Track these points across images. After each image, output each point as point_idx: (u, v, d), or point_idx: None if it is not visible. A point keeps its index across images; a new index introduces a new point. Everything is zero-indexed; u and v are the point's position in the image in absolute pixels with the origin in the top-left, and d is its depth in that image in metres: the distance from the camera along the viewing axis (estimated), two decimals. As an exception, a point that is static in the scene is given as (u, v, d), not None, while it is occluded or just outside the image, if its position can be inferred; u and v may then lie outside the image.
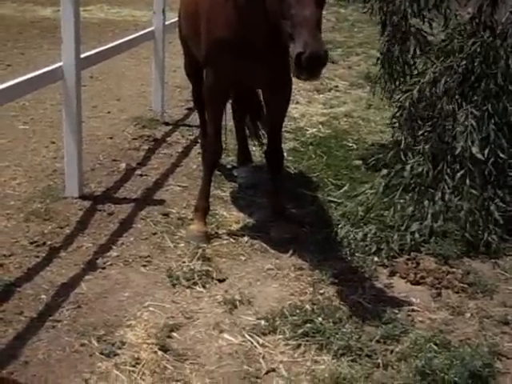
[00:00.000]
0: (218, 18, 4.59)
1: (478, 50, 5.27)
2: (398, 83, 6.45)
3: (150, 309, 4.05)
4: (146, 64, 10.33)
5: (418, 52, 6.22)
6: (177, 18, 7.90)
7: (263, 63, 4.55)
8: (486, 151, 4.99)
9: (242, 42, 4.47)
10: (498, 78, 5.21)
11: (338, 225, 5.11)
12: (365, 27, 17.55)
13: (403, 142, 5.42)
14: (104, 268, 4.53)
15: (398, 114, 5.72)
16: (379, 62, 6.52)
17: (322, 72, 3.80)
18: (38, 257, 4.63)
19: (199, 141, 7.01)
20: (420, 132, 5.36)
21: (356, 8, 19.10)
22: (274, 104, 5.05)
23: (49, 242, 4.83)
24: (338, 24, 19.13)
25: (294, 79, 4.54)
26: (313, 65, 3.69)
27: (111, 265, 4.58)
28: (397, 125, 5.78)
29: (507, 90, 5.23)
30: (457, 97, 5.29)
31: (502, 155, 5.05)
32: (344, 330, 3.83)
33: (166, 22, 8.17)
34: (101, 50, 6.41)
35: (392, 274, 4.58)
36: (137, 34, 7.82)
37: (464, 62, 5.30)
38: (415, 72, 6.16)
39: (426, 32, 6.25)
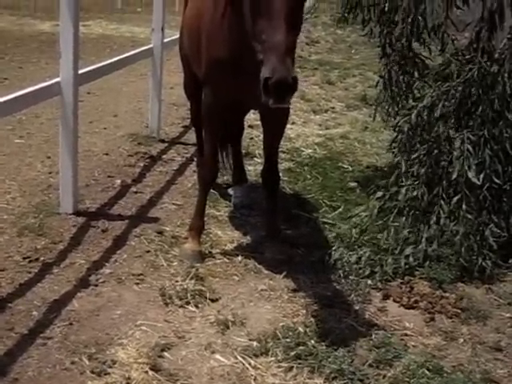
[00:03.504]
0: (217, 37, 4.59)
1: (476, 75, 5.28)
2: (398, 106, 6.47)
3: (142, 328, 4.02)
4: (143, 80, 10.35)
5: (416, 75, 6.25)
6: (175, 36, 7.97)
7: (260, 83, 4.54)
8: (482, 176, 4.99)
9: (239, 62, 4.47)
10: (495, 104, 5.22)
11: (332, 247, 5.10)
12: (362, 49, 17.67)
13: (403, 165, 5.40)
14: (96, 285, 4.50)
15: (396, 139, 5.73)
16: (379, 84, 6.54)
17: (290, 98, 3.73)
18: (30, 272, 4.60)
19: (195, 159, 7.02)
20: (415, 155, 5.36)
21: (354, 30, 19.21)
22: (271, 124, 5.05)
23: (42, 258, 4.80)
24: (336, 45, 19.27)
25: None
26: (279, 91, 3.64)
27: (104, 282, 4.55)
28: (396, 149, 5.78)
29: (504, 116, 5.24)
30: (453, 121, 5.30)
31: (497, 180, 5.05)
32: (336, 353, 3.80)
33: (165, 40, 8.19)
34: (99, 66, 6.41)
35: (385, 297, 4.56)
36: (135, 51, 7.84)
37: (461, 87, 5.32)
38: (412, 96, 6.18)
39: (424, 56, 6.29)
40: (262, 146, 5.33)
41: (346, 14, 6.43)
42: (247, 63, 4.43)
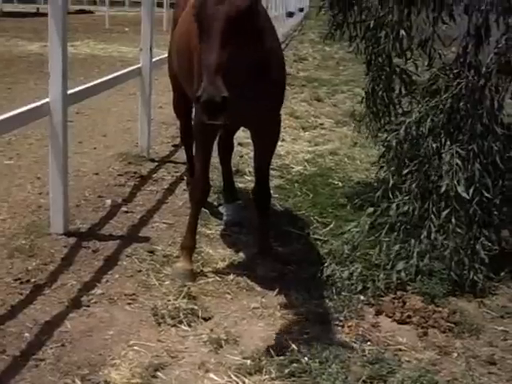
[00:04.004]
0: None
1: (464, 89, 5.31)
2: (382, 122, 6.51)
3: (135, 348, 4.00)
4: (132, 100, 10.36)
5: (403, 91, 6.28)
6: (163, 55, 7.99)
7: (250, 101, 4.57)
8: (471, 190, 5.01)
9: (230, 80, 4.48)
10: (484, 118, 5.25)
11: (324, 263, 5.10)
12: (350, 65, 17.77)
13: (390, 180, 5.43)
14: (88, 306, 4.48)
15: (385, 153, 5.75)
16: (364, 101, 6.58)
17: (223, 116, 3.76)
18: (21, 294, 4.58)
19: (185, 178, 7.02)
20: (406, 171, 5.38)
21: (341, 46, 19.32)
22: (262, 142, 5.06)
23: (33, 279, 4.78)
24: (324, 62, 19.36)
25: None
26: (209, 109, 3.71)
27: (96, 303, 4.53)
28: (384, 164, 5.80)
29: (492, 130, 5.27)
30: (442, 136, 5.32)
31: (486, 194, 5.07)
32: (330, 370, 3.79)
33: (153, 59, 8.21)
34: (88, 86, 6.42)
35: (378, 312, 4.56)
36: (124, 71, 7.84)
37: (449, 102, 5.34)
38: (400, 111, 6.21)
39: (410, 71, 6.32)
40: (253, 164, 5.33)
41: (332, 31, 6.45)
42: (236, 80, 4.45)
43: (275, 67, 4.60)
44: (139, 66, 8.04)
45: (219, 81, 3.69)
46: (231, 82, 3.76)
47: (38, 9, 33.57)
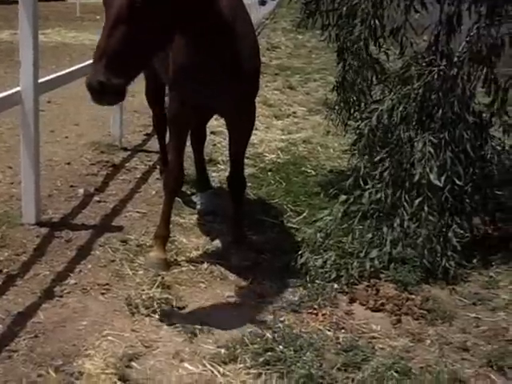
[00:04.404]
0: (180, 46, 4.60)
1: (435, 78, 5.34)
2: (352, 111, 6.52)
3: (109, 338, 3.98)
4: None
5: (374, 80, 6.29)
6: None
7: (224, 88, 4.57)
8: (443, 178, 5.03)
9: (202, 68, 4.49)
10: (455, 106, 5.28)
11: (298, 251, 5.10)
12: (322, 54, 17.79)
13: (362, 168, 5.44)
14: (61, 296, 4.45)
15: (356, 141, 5.76)
16: (335, 89, 6.58)
17: (106, 99, 3.84)
18: (-7, 285, 4.55)
19: (158, 167, 6.99)
20: (377, 158, 5.39)
21: (313, 35, 19.33)
22: (236, 131, 5.05)
23: (5, 270, 4.74)
24: (296, 50, 19.37)
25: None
26: (90, 93, 3.78)
27: (69, 293, 4.50)
28: (356, 152, 5.82)
29: (464, 118, 5.30)
30: (414, 124, 5.34)
31: (458, 182, 5.10)
32: (305, 358, 3.80)
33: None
34: (59, 74, 6.36)
35: (352, 300, 4.58)
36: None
37: (421, 90, 5.36)
38: (371, 100, 6.22)
39: (382, 60, 6.34)
40: (228, 153, 5.33)
41: (305, 19, 6.44)
42: (210, 69, 4.45)
43: (247, 55, 4.58)
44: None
45: (99, 66, 3.74)
46: (129, 69, 3.85)
47: (7, -4, 33.17)
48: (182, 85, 4.76)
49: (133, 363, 3.75)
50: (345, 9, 6.12)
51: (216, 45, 4.36)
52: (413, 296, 4.61)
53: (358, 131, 5.70)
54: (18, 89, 5.35)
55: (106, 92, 3.75)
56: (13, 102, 5.37)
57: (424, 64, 5.53)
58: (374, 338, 4.14)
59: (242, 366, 3.78)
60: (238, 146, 5.14)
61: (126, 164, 7.42)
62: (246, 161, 7.23)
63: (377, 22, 5.94)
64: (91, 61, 3.90)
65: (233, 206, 5.25)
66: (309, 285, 4.71)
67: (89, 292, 4.53)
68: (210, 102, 4.81)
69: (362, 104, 6.29)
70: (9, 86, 5.65)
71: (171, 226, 5.27)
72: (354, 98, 6.41)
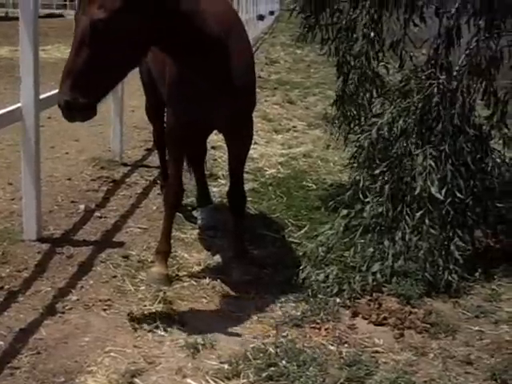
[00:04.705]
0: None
1: (435, 91, 5.34)
2: (352, 125, 6.53)
3: (111, 354, 3.97)
4: (104, 104, 10.28)
5: (374, 94, 6.30)
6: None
7: (220, 104, 4.59)
8: (444, 191, 5.03)
9: (195, 84, 4.53)
10: (455, 119, 5.28)
11: (300, 266, 5.09)
12: (321, 68, 17.83)
13: (361, 182, 5.44)
14: (63, 312, 4.44)
15: (356, 154, 5.77)
16: (335, 103, 6.59)
17: (76, 117, 3.98)
18: (-6, 301, 4.53)
19: (159, 182, 6.99)
20: (377, 171, 5.39)
21: (312, 49, 19.39)
22: (235, 145, 5.06)
23: (6, 286, 4.73)
24: (295, 65, 19.42)
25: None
26: (61, 111, 3.95)
27: (71, 309, 4.49)
28: (355, 165, 5.82)
29: (464, 131, 5.31)
30: (415, 137, 5.34)
31: (459, 195, 5.09)
32: (308, 373, 3.78)
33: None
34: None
35: (354, 314, 4.56)
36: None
37: (421, 104, 5.37)
38: (371, 113, 6.22)
39: (382, 73, 6.35)
40: (228, 167, 5.33)
41: (305, 33, 6.46)
42: (201, 86, 4.48)
43: (242, 71, 4.59)
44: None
45: (65, 86, 3.89)
46: (96, 87, 3.97)
47: (7, 13, 33.27)
48: (177, 100, 4.79)
49: (135, 379, 3.73)
50: (344, 23, 6.15)
51: (208, 61, 4.39)
52: (415, 310, 4.60)
53: (357, 144, 5.70)
54: (19, 105, 5.36)
55: (75, 110, 3.91)
56: (14, 119, 5.38)
57: (424, 77, 5.54)
58: (377, 352, 4.12)
59: (245, 381, 3.76)
60: (237, 160, 5.14)
61: (127, 179, 7.42)
62: (246, 175, 7.26)
63: (375, 35, 5.96)
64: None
65: (233, 220, 5.25)
66: (311, 299, 4.69)
67: (91, 308, 4.51)
68: (206, 118, 4.83)
69: (362, 118, 6.29)
70: (8, 103, 5.66)
71: (172, 241, 5.26)
72: (354, 111, 6.41)
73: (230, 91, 4.54)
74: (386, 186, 5.24)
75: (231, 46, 4.50)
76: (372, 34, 5.95)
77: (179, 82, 4.67)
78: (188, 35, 4.26)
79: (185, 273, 5.09)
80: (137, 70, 6.39)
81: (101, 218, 6.19)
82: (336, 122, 6.72)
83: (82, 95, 3.86)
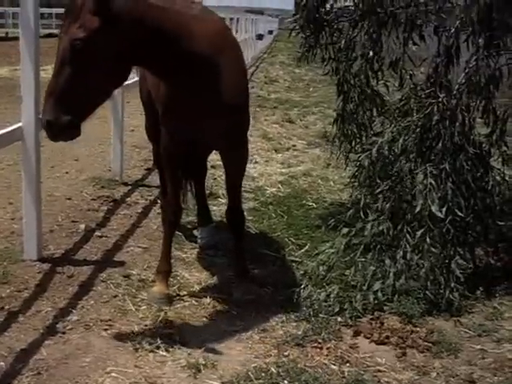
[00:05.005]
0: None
1: (435, 109, 5.35)
2: (353, 143, 6.54)
3: (113, 374, 3.95)
4: (103, 123, 10.30)
5: (374, 113, 6.32)
6: (135, 79, 7.95)
7: (211, 123, 4.61)
8: (445, 209, 5.03)
9: (185, 103, 4.55)
10: (455, 137, 5.29)
11: (301, 285, 5.08)
12: (320, 87, 17.90)
13: (362, 200, 5.45)
14: (64, 333, 4.42)
15: (357, 173, 5.78)
16: (335, 122, 6.59)
17: (58, 137, 4.07)
18: (-5, 322, 4.52)
19: (159, 201, 6.99)
20: (378, 190, 5.39)
21: (311, 68, 19.46)
22: (231, 164, 5.06)
23: (7, 307, 4.72)
24: (294, 84, 19.49)
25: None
26: (45, 130, 4.05)
27: (71, 329, 4.47)
28: (356, 184, 5.83)
29: (464, 149, 5.31)
30: (415, 156, 5.35)
31: (459, 213, 5.09)
32: (310, 392, 3.78)
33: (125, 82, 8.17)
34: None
35: (356, 334, 4.55)
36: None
37: (421, 122, 5.38)
38: (371, 132, 6.24)
39: (382, 92, 6.36)
40: (225, 187, 5.33)
41: (305, 53, 6.48)
42: (191, 105, 4.49)
43: (233, 89, 4.59)
44: (111, 89, 8.00)
45: (47, 106, 3.97)
46: (78, 107, 4.02)
47: (7, 33, 33.43)
48: (169, 119, 4.81)
49: (137, 400, 3.72)
50: (343, 42, 6.17)
51: (197, 81, 4.41)
52: (417, 328, 4.58)
53: (358, 163, 5.70)
54: (20, 125, 5.36)
55: (57, 130, 3.97)
56: (14, 138, 5.38)
57: (423, 96, 5.56)
58: (379, 371, 4.10)
59: (247, 401, 3.74)
60: (234, 179, 5.13)
61: (127, 199, 7.42)
62: (246, 194, 7.29)
63: (375, 54, 5.98)
64: None
65: (233, 239, 5.25)
66: (312, 318, 4.67)
67: (91, 328, 4.50)
68: (200, 137, 4.84)
69: (364, 137, 6.30)
70: (9, 122, 5.66)
71: (173, 260, 5.26)
72: (355, 130, 6.42)
73: (222, 110, 4.54)
74: (387, 205, 5.24)
75: (222, 65, 4.49)
76: (371, 53, 5.98)
77: (171, 101, 4.68)
78: (174, 55, 4.30)
79: (186, 292, 5.08)
80: (137, 89, 6.42)
81: (101, 237, 6.18)
82: (336, 140, 6.72)
83: (63, 115, 3.93)
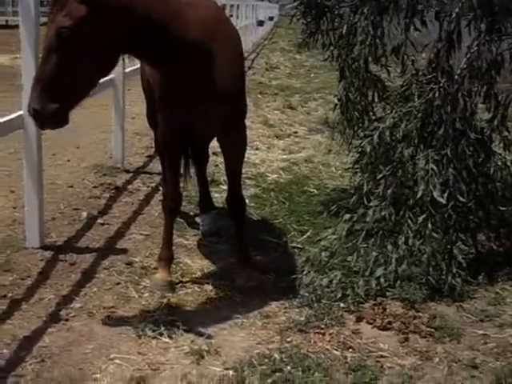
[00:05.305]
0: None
1: (437, 94, 5.34)
2: (356, 128, 6.52)
3: (116, 361, 3.96)
4: (105, 111, 10.30)
5: (376, 98, 6.30)
6: (136, 66, 7.94)
7: (207, 110, 4.60)
8: (446, 195, 5.03)
9: (179, 90, 4.55)
10: (457, 123, 5.28)
11: (303, 271, 5.09)
12: (321, 73, 17.86)
13: (365, 186, 5.44)
14: (67, 320, 4.43)
15: (358, 159, 5.77)
16: (337, 107, 6.57)
17: (46, 125, 4.14)
18: (-2, 309, 4.53)
19: (160, 188, 6.99)
20: (380, 176, 5.39)
21: (311, 54, 19.41)
22: (229, 150, 5.06)
23: (10, 294, 4.73)
24: (295, 70, 19.45)
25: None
26: (33, 119, 4.10)
27: (74, 316, 4.48)
28: (358, 169, 5.82)
29: (466, 134, 5.30)
30: (416, 141, 5.34)
31: (461, 199, 5.09)
32: (313, 378, 3.78)
33: (126, 70, 8.17)
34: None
35: (359, 319, 4.56)
36: (97, 82, 7.78)
37: (423, 107, 5.37)
38: (374, 118, 6.22)
39: (384, 78, 6.34)
40: (225, 173, 5.34)
41: (306, 39, 6.46)
42: (185, 91, 4.48)
43: (228, 75, 4.56)
44: (112, 76, 8.00)
45: (34, 94, 3.97)
46: (65, 95, 4.01)
47: (7, 21, 33.28)
48: (165, 107, 4.81)
49: (140, 387, 3.73)
50: (345, 28, 6.14)
51: (189, 68, 4.39)
52: (420, 314, 4.60)
53: (359, 149, 5.69)
54: (21, 113, 5.35)
55: (43, 118, 4.00)
56: (15, 126, 5.37)
57: (425, 81, 5.54)
58: (382, 356, 4.11)
59: (250, 387, 3.75)
60: (233, 166, 5.13)
61: (129, 186, 7.42)
62: (248, 181, 7.30)
63: (377, 40, 5.96)
64: None
65: (235, 226, 5.25)
66: (315, 304, 4.68)
67: (94, 315, 4.51)
68: (196, 124, 4.84)
69: (366, 122, 6.28)
70: (9, 111, 5.66)
71: (175, 247, 5.26)
72: (358, 115, 6.40)
73: (216, 97, 4.52)
74: (389, 191, 5.24)
75: (216, 52, 4.46)
76: (372, 39, 5.95)
77: (165, 89, 4.67)
78: (166, 43, 4.27)
79: (188, 279, 5.09)
80: (137, 77, 6.42)
81: (103, 224, 6.19)
82: (339, 126, 6.70)
83: (50, 103, 3.93)
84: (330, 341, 4.25)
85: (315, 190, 7.32)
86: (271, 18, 41.38)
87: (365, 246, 5.16)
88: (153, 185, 7.48)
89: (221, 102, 4.56)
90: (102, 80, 7.72)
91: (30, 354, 4.01)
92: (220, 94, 4.51)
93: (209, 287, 4.96)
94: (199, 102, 4.53)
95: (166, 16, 4.24)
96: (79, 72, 3.99)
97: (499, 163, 5.56)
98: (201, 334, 4.28)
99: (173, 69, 4.44)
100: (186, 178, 6.30)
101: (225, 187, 7.14)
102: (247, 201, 5.34)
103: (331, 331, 4.36)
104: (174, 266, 5.12)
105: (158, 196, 6.97)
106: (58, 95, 3.96)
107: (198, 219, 6.24)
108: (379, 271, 4.92)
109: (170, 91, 4.62)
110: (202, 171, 6.32)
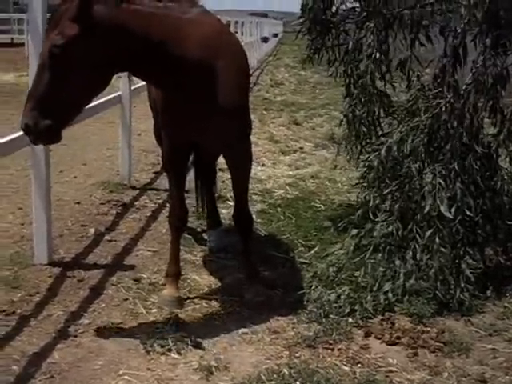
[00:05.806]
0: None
1: (443, 109, 5.36)
2: (363, 144, 6.53)
3: (125, 377, 3.97)
4: (111, 128, 10.35)
5: (382, 113, 6.31)
6: (142, 83, 7.97)
7: (210, 126, 4.61)
8: (454, 210, 5.03)
9: (182, 107, 4.55)
10: (464, 137, 5.29)
11: (311, 286, 5.09)
12: (326, 89, 17.90)
13: (372, 201, 5.45)
14: (76, 336, 4.44)
15: (365, 174, 5.78)
16: (344, 123, 6.57)
17: (38, 140, 4.20)
18: (7, 326, 4.53)
19: (168, 204, 7.00)
20: (387, 191, 5.40)
21: (316, 70, 19.46)
22: (235, 167, 5.07)
23: (18, 311, 4.74)
24: (300, 86, 19.50)
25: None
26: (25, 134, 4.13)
27: (83, 332, 4.49)
28: (365, 184, 5.82)
29: (472, 149, 5.31)
30: (423, 156, 5.35)
31: (469, 213, 5.09)
32: (322, 393, 3.78)
33: (132, 87, 8.21)
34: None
35: (367, 334, 4.55)
36: (104, 99, 7.80)
37: (429, 122, 5.38)
38: (380, 133, 6.23)
39: (389, 93, 6.36)
40: (232, 190, 5.35)
41: (311, 55, 6.48)
42: (188, 108, 4.49)
43: (231, 92, 4.55)
44: (119, 93, 8.04)
45: (26, 110, 4.01)
46: (58, 112, 4.04)
47: (12, 39, 33.48)
48: (168, 123, 4.84)
49: (150, 402, 3.73)
50: (351, 43, 6.17)
51: (190, 85, 4.39)
52: (428, 328, 4.59)
53: (367, 164, 5.70)
54: (29, 130, 5.37)
55: (36, 134, 4.04)
56: (23, 144, 5.38)
57: (431, 96, 5.56)
58: (391, 371, 4.11)
59: (259, 403, 3.75)
60: (239, 182, 5.13)
61: (136, 202, 7.44)
62: (255, 197, 7.30)
63: (383, 56, 5.98)
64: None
65: (242, 241, 5.26)
66: (323, 320, 4.68)
67: (103, 331, 4.50)
68: (199, 141, 4.85)
69: (372, 137, 6.29)
70: (15, 129, 5.68)
71: (183, 263, 5.27)
72: (365, 130, 6.41)
73: (220, 114, 4.50)
74: (396, 205, 5.25)
75: (218, 69, 4.45)
76: (378, 55, 5.97)
77: (167, 105, 4.69)
78: (163, 61, 4.28)
79: (196, 295, 5.09)
80: (143, 94, 6.45)
81: (111, 241, 6.20)
82: (344, 142, 6.72)
83: (42, 119, 3.97)
84: (338, 356, 4.25)
85: (322, 206, 7.33)
86: (275, 35, 41.54)
87: (372, 260, 5.17)
88: (160, 201, 7.50)
89: (224, 119, 4.55)
90: (109, 97, 7.81)
91: (39, 370, 4.02)
92: (223, 111, 4.50)
93: (217, 303, 4.97)
94: (202, 119, 4.54)
95: (164, 34, 4.25)
96: (71, 89, 4.03)
97: (506, 177, 5.56)
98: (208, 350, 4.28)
99: (174, 86, 4.44)
100: (197, 195, 6.32)
101: (232, 203, 7.15)
102: (254, 216, 5.34)
103: (340, 346, 4.36)
104: (181, 282, 5.12)
105: (165, 212, 6.97)
106: (51, 112, 3.99)
107: (205, 235, 6.24)
108: (387, 286, 4.92)
109: (173, 108, 4.64)
110: (209, 187, 6.33)
